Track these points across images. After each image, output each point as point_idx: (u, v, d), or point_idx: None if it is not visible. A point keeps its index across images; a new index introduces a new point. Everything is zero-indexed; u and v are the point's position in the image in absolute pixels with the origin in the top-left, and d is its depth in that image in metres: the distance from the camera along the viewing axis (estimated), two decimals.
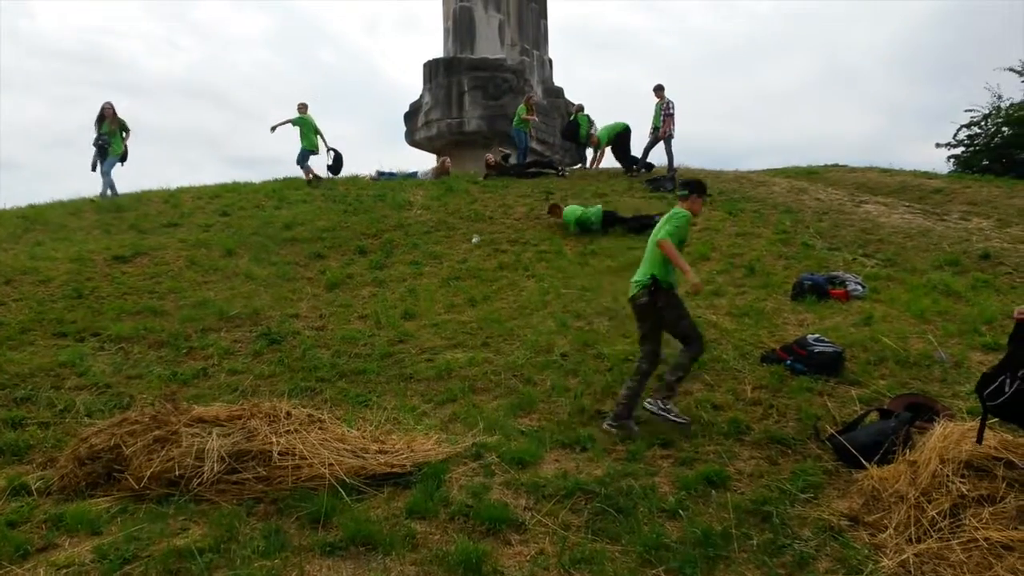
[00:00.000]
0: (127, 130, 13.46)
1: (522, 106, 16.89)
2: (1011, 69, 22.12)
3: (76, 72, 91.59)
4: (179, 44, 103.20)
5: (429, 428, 5.12)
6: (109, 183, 13.38)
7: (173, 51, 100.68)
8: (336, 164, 15.74)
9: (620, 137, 15.38)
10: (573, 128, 17.04)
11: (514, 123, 16.94)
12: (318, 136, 15.19)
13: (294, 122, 15.04)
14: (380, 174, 16.20)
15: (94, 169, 13.32)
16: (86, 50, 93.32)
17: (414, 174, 16.39)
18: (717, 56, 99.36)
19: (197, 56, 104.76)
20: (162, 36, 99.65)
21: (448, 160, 16.71)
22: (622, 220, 10.83)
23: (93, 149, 13.26)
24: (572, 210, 10.91)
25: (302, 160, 15.02)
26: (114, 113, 13.26)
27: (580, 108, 17.47)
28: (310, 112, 15.22)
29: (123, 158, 13.52)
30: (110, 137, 13.19)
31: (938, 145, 23.25)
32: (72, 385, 5.93)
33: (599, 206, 10.94)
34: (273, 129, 14.98)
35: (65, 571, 3.40)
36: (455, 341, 7.00)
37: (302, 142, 15.03)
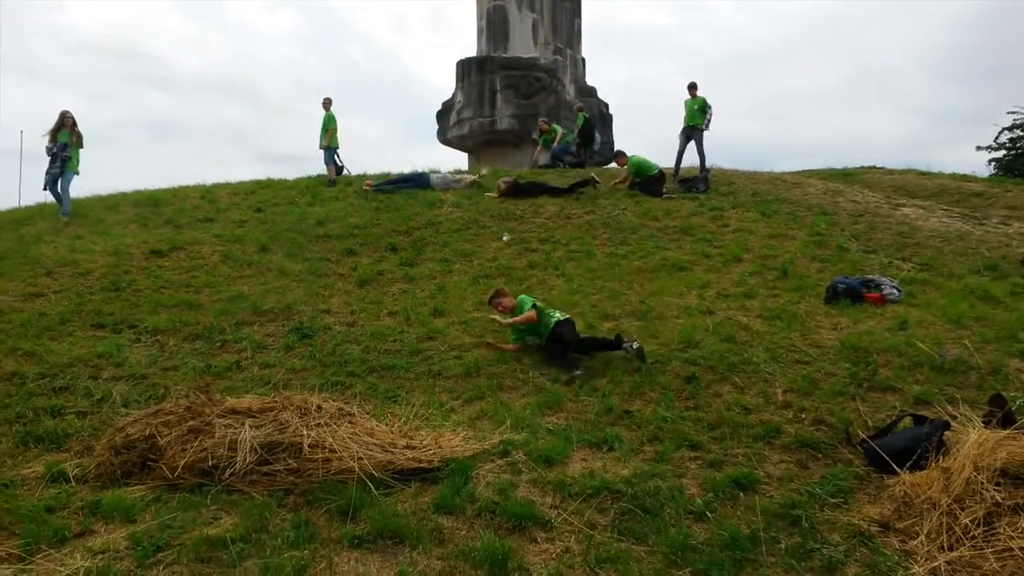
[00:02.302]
0: (82, 144, 11.90)
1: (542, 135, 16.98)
2: None
3: (107, 67, 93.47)
4: (209, 40, 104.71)
5: (457, 424, 5.14)
6: (67, 199, 11.75)
7: (203, 47, 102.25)
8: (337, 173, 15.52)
9: (649, 180, 13.56)
10: (590, 130, 17.30)
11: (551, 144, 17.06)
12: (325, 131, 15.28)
13: (325, 123, 15.17)
14: (377, 186, 13.69)
15: (47, 187, 11.52)
16: (117, 44, 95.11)
17: (421, 177, 13.83)
18: (747, 55, 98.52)
19: (227, 52, 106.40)
20: (192, 32, 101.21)
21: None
22: (575, 345, 6.52)
23: (48, 161, 11.44)
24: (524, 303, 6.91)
25: (329, 158, 15.14)
26: (74, 123, 11.70)
27: (581, 108, 17.65)
28: (333, 108, 15.31)
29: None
30: (71, 149, 11.59)
31: (979, 148, 22.79)
32: (109, 376, 6.05)
33: (556, 319, 6.67)
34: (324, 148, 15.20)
35: (100, 556, 3.48)
36: (484, 339, 7.01)
37: (330, 141, 15.12)
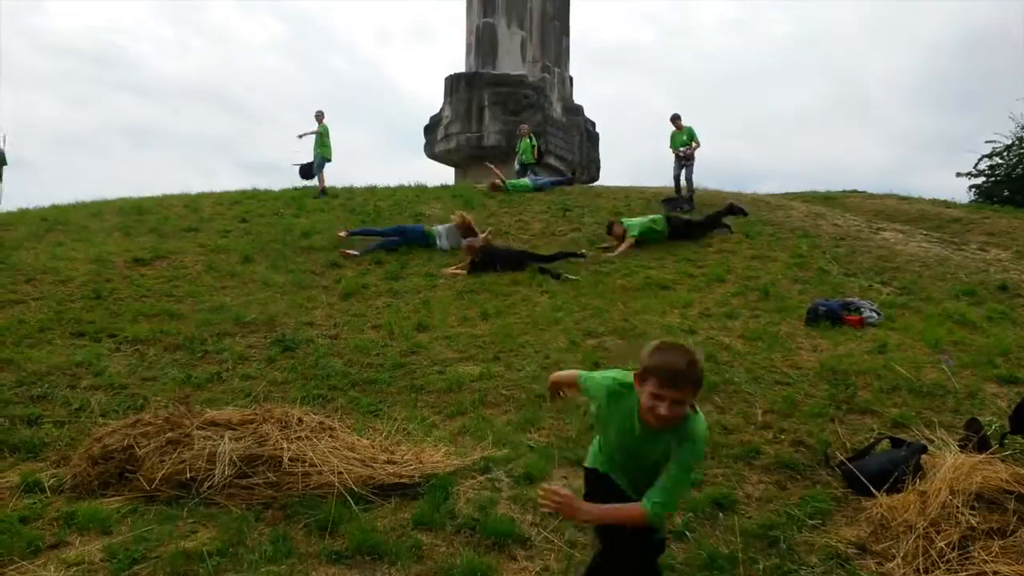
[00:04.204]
0: (5, 163, 10.50)
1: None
2: None
3: (87, 71, 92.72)
4: (190, 46, 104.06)
5: (438, 440, 5.13)
6: None
7: (184, 53, 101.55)
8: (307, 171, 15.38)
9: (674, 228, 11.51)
10: (541, 150, 17.52)
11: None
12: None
13: (319, 132, 15.23)
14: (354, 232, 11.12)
15: None
16: (98, 49, 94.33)
17: (418, 233, 11.13)
18: (731, 77, 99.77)
19: (208, 59, 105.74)
20: (173, 38, 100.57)
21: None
22: None
23: None
24: None
25: (318, 169, 15.17)
26: None
27: (526, 131, 17.56)
28: (326, 120, 15.41)
29: None
30: None
31: (959, 174, 23.19)
32: (88, 385, 5.99)
33: None
34: (300, 136, 15.14)
35: (75, 569, 3.43)
36: (467, 354, 7.02)
37: (320, 151, 15.17)
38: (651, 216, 11.58)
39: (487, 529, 3.86)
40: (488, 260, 9.95)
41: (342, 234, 11.03)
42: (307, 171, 15.38)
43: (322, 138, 15.18)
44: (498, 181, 15.30)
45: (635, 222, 11.20)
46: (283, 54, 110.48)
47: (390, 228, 11.37)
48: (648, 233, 11.12)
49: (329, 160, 15.30)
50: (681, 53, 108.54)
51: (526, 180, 16.02)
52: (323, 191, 14.69)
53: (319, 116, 15.32)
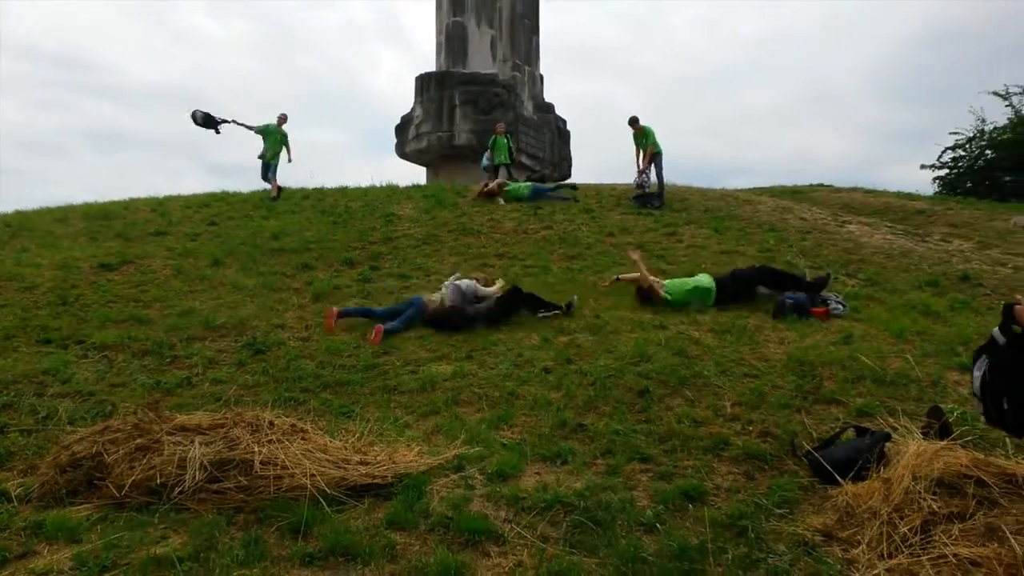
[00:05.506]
0: None
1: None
2: (995, 93, 22.53)
3: (52, 75, 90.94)
4: (159, 49, 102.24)
5: (411, 440, 5.14)
6: None
7: (153, 56, 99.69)
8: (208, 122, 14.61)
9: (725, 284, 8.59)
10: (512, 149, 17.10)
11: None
12: (284, 147, 14.90)
13: (257, 130, 14.72)
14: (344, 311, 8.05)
15: None
16: (63, 52, 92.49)
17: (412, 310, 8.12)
18: (699, 75, 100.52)
19: (177, 61, 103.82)
20: (141, 40, 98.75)
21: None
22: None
23: None
24: None
25: (265, 173, 14.79)
26: None
27: (504, 130, 17.08)
28: (285, 126, 15.02)
29: None
30: None
31: (923, 166, 23.65)
32: (55, 392, 5.92)
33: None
34: (240, 124, 14.54)
35: None
36: (439, 353, 7.03)
37: (266, 155, 14.78)
38: (697, 279, 8.68)
39: (461, 527, 3.88)
40: (439, 322, 8.04)
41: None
42: (208, 120, 14.53)
43: (267, 141, 14.69)
44: (494, 186, 14.53)
45: (676, 286, 8.57)
46: (251, 54, 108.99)
47: (385, 309, 8.45)
48: (689, 298, 8.42)
49: (268, 163, 14.78)
50: (650, 51, 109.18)
51: (526, 185, 14.86)
52: (274, 196, 14.30)
53: (283, 119, 15.03)
